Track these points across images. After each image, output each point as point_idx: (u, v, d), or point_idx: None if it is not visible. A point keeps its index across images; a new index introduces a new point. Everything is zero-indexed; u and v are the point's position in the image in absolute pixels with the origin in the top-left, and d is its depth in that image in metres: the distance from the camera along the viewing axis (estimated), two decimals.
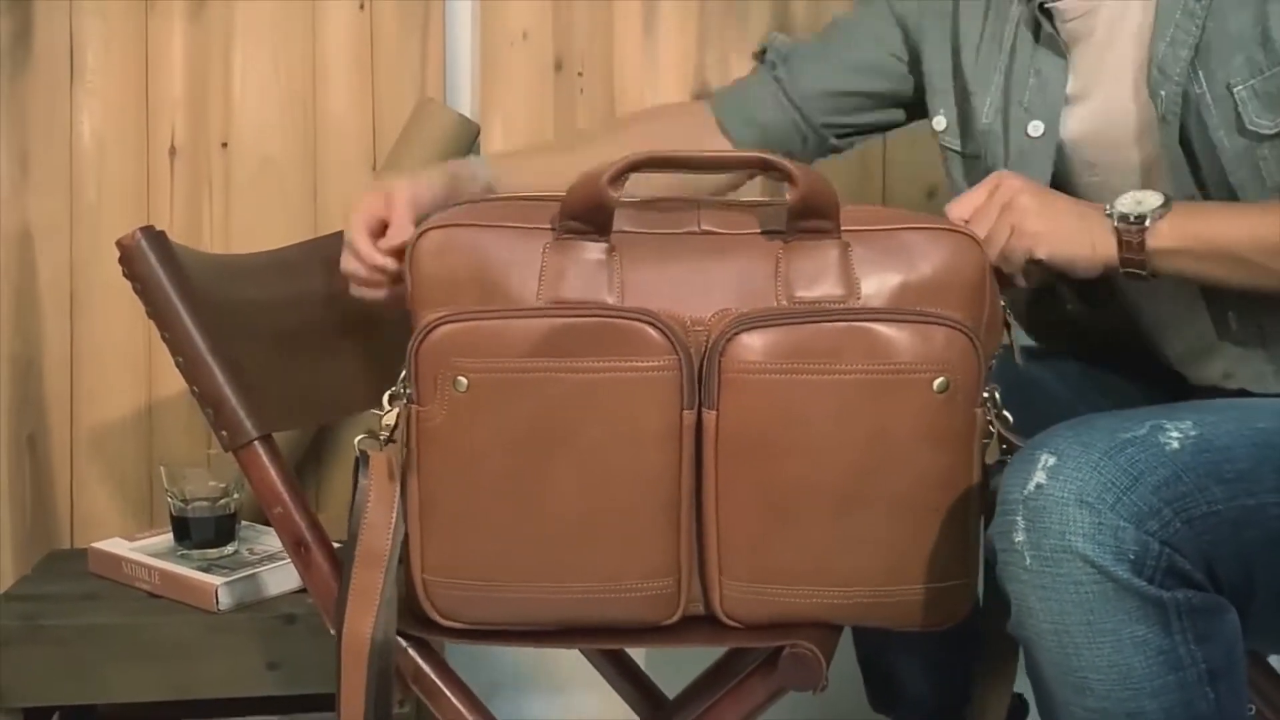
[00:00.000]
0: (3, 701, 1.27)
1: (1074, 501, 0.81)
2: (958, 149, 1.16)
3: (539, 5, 1.58)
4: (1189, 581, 0.83)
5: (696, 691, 1.23)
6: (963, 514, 0.93)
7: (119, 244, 0.96)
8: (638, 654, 1.34)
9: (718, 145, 1.20)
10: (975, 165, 1.14)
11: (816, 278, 0.91)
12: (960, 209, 0.98)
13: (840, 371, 0.89)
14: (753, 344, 0.88)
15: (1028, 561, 0.82)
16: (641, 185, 0.93)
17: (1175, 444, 0.85)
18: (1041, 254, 0.97)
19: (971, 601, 0.96)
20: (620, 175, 0.89)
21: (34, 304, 1.55)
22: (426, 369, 0.88)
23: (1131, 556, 0.81)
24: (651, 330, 0.88)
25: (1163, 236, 0.96)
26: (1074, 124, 1.08)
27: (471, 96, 1.62)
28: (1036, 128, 1.08)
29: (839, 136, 1.23)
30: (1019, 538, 0.83)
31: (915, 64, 1.18)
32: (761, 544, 0.91)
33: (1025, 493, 0.83)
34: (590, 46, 1.59)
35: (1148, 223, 0.96)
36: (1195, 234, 0.97)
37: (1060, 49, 1.07)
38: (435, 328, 0.88)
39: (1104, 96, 1.07)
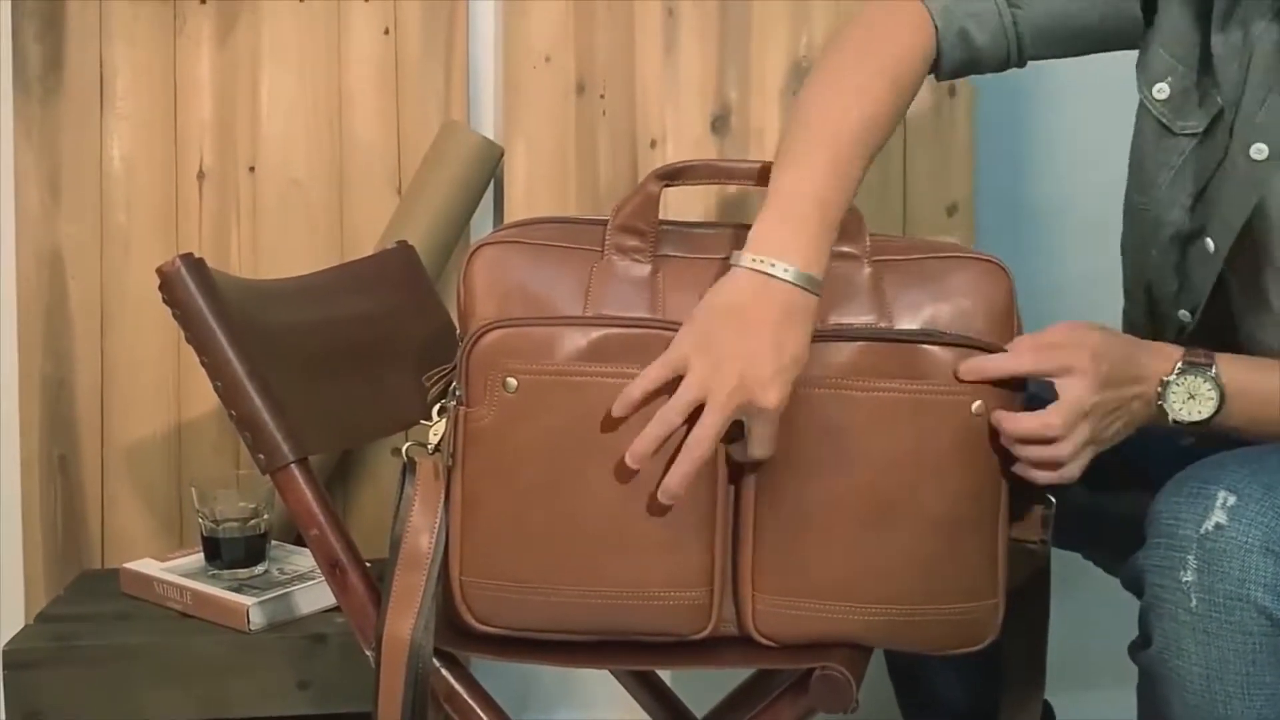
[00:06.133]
0: None
1: (1259, 549, 0.78)
2: (1173, 127, 1.06)
3: (561, 28, 1.60)
4: None
5: (725, 711, 1.23)
6: (992, 536, 0.94)
7: (159, 271, 0.98)
8: (665, 671, 1.34)
9: (926, 52, 1.08)
10: (1174, 149, 1.06)
11: (850, 303, 0.94)
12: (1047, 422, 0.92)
13: (879, 389, 0.90)
14: None
15: (1193, 603, 0.80)
16: None
17: None
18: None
19: (999, 623, 0.97)
20: (668, 175, 0.96)
21: (65, 325, 1.57)
22: (478, 371, 0.91)
23: None
24: None
25: (1221, 428, 0.94)
26: None
27: (495, 119, 1.63)
28: (1260, 151, 0.98)
29: (1035, 60, 1.15)
30: (1187, 577, 0.80)
31: (1149, 11, 1.08)
32: (795, 558, 0.93)
33: (1201, 531, 0.80)
34: (612, 68, 1.60)
35: (1209, 424, 0.93)
36: (1257, 425, 0.93)
37: None
38: (488, 332, 0.91)
39: None
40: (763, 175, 0.98)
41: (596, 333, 0.91)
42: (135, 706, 1.30)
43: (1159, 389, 0.93)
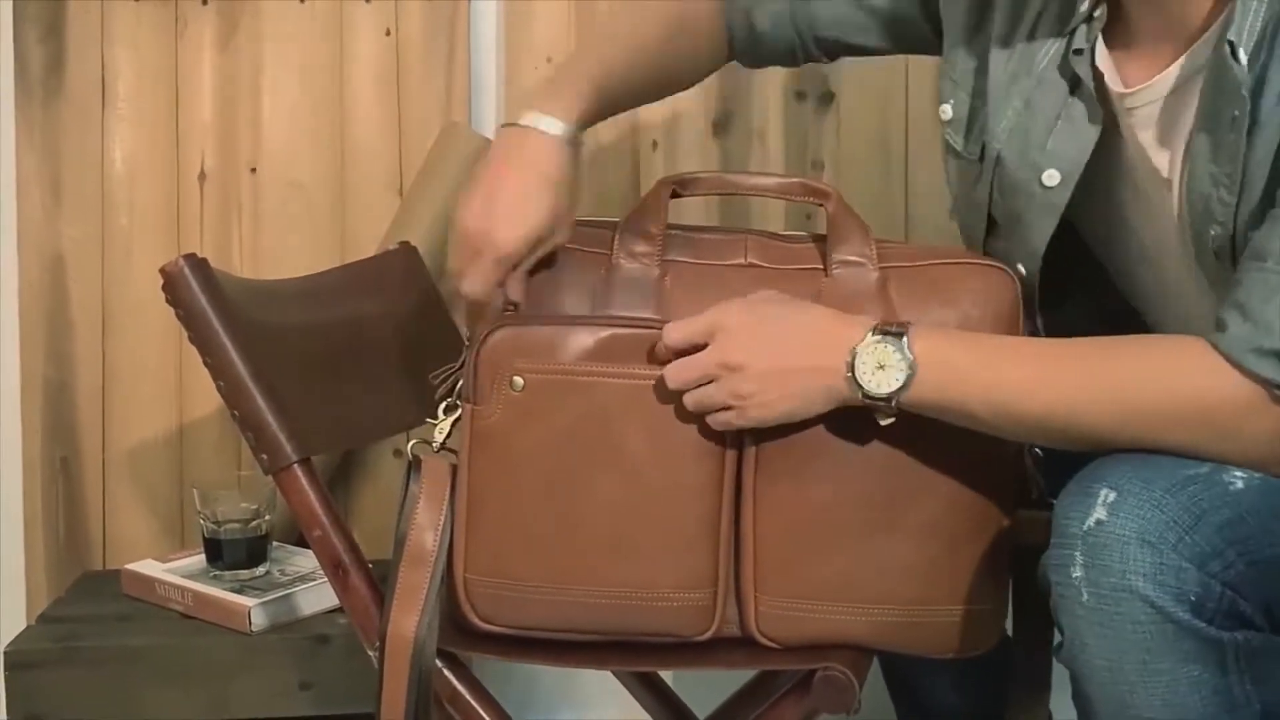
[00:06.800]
0: None
1: (1135, 540, 0.80)
2: (959, 149, 1.06)
3: (562, 30, 1.60)
4: (1248, 623, 0.82)
5: (727, 712, 1.23)
6: (993, 541, 0.94)
7: (163, 271, 0.98)
8: (667, 673, 1.34)
9: (720, 46, 1.16)
10: (970, 172, 1.05)
11: (856, 308, 0.93)
12: (677, 335, 0.90)
13: None
14: None
15: (1085, 598, 0.81)
16: None
17: (1239, 484, 0.83)
18: (750, 426, 0.91)
19: (1000, 628, 0.97)
20: (679, 184, 0.97)
21: (66, 328, 1.56)
22: (485, 370, 0.91)
23: (1193, 598, 0.80)
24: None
25: (918, 404, 0.88)
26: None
27: (496, 120, 1.63)
28: (1052, 177, 0.98)
29: (829, 56, 1.18)
30: (1077, 573, 0.81)
31: (935, 25, 1.09)
32: (797, 560, 0.93)
33: (1085, 528, 0.81)
34: None
35: (894, 403, 0.88)
36: (958, 408, 0.88)
37: (1095, 116, 0.96)
38: (496, 330, 0.91)
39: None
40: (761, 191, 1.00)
41: (604, 332, 0.91)
42: (137, 708, 1.30)
43: (848, 359, 0.88)
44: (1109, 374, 0.87)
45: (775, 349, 0.89)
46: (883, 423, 0.90)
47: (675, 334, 0.91)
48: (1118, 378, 0.86)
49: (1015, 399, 0.87)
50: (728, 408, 0.90)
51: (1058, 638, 0.87)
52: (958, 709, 1.23)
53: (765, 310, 0.91)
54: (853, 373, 0.88)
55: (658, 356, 0.91)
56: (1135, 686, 0.81)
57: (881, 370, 0.87)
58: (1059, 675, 1.08)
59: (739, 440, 0.92)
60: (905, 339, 0.87)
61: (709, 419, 0.90)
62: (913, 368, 0.87)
